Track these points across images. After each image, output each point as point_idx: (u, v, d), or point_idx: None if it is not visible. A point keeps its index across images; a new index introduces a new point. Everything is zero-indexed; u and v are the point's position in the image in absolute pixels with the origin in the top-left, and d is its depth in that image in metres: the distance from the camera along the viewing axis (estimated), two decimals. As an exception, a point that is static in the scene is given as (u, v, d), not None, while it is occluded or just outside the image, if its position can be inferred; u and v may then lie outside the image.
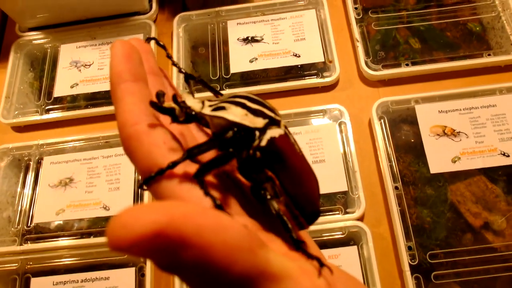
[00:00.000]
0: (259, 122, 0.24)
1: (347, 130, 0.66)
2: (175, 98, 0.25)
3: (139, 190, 0.65)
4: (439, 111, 0.67)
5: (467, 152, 0.65)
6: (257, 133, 0.24)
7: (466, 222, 0.62)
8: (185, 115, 0.25)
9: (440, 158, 0.65)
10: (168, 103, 0.25)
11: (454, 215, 0.63)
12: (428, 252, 0.60)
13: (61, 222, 0.65)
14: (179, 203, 0.16)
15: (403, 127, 0.68)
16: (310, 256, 0.22)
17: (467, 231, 0.62)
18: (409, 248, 0.60)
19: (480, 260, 0.60)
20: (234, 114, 0.24)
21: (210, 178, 0.25)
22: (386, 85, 0.71)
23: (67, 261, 0.63)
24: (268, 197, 0.24)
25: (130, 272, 0.61)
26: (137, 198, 0.65)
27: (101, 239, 0.63)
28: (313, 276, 0.20)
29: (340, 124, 0.67)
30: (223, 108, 0.24)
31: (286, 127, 0.26)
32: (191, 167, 0.23)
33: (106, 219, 0.64)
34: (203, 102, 0.26)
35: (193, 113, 0.25)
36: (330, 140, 0.66)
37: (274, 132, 0.24)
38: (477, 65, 0.71)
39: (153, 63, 0.29)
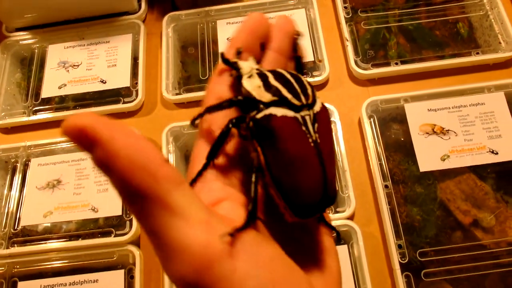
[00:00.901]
0: (266, 97, 0.25)
1: (336, 129, 0.66)
2: (239, 53, 0.27)
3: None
4: (428, 109, 0.67)
5: (456, 150, 0.65)
6: (261, 106, 0.25)
7: (455, 219, 0.63)
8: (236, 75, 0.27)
9: (429, 157, 0.65)
10: (234, 59, 0.27)
11: (443, 213, 0.63)
12: (418, 250, 0.60)
13: (49, 224, 0.64)
14: (108, 119, 0.20)
15: (393, 125, 0.69)
16: (246, 224, 0.23)
17: (456, 228, 0.62)
18: (399, 246, 0.60)
19: (470, 258, 0.60)
20: (250, 84, 0.25)
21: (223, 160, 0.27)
22: (376, 84, 0.71)
23: (55, 264, 0.62)
24: (253, 167, 0.25)
25: (119, 275, 0.61)
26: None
27: (90, 241, 0.62)
28: (213, 232, 0.21)
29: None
30: (250, 76, 0.26)
31: (313, 116, 0.25)
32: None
33: (95, 221, 0.64)
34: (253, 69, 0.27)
35: (237, 74, 0.27)
36: (320, 139, 0.65)
37: (278, 111, 0.25)
38: (465, 63, 0.71)
39: (285, 42, 0.29)
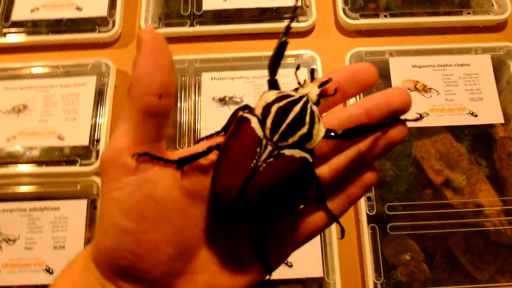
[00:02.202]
0: (257, 111, 0.28)
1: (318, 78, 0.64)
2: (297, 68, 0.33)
3: (96, 122, 0.63)
4: (412, 65, 0.66)
5: (436, 108, 0.64)
6: (249, 111, 0.29)
7: (427, 178, 0.62)
8: None
9: (409, 112, 0.63)
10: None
11: (416, 170, 0.62)
12: (386, 204, 0.60)
13: (12, 149, 0.62)
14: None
15: (375, 80, 0.67)
16: (161, 159, 0.28)
17: (427, 187, 0.62)
18: (368, 198, 0.59)
19: (437, 216, 0.60)
20: (266, 96, 0.29)
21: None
22: (363, 35, 0.69)
23: (16, 188, 0.60)
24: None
25: (82, 204, 0.59)
26: (94, 130, 0.62)
27: (54, 169, 0.60)
28: (137, 148, 0.26)
29: (311, 72, 0.65)
30: (280, 93, 0.29)
31: (274, 154, 0.28)
32: None
33: (60, 149, 0.62)
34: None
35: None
36: (300, 86, 0.64)
37: (254, 122, 0.28)
38: (455, 23, 0.69)
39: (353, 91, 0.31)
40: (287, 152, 0.28)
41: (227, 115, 0.63)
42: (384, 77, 0.66)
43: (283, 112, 0.27)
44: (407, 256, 0.58)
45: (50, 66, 0.66)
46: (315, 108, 0.28)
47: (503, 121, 0.64)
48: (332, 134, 0.29)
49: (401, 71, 0.66)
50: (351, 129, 0.29)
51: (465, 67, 0.66)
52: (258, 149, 0.28)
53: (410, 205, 0.60)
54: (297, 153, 0.28)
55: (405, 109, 0.30)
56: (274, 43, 0.68)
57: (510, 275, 0.58)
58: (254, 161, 0.28)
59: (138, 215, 0.26)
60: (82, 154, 0.61)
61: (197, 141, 0.32)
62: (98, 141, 0.61)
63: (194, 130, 0.63)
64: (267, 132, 0.28)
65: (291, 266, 0.57)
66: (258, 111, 0.28)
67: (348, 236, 0.59)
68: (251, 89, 0.64)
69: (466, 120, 0.64)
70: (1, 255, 0.58)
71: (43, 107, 0.64)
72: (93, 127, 0.62)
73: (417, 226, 0.59)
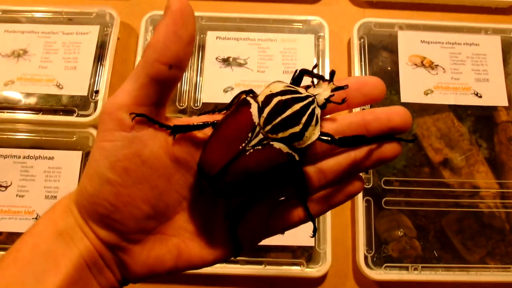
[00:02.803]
0: (260, 98, 0.29)
1: (324, 45, 0.63)
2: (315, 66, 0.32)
3: (97, 73, 0.61)
4: (421, 40, 0.65)
5: (441, 86, 0.63)
6: (253, 96, 0.30)
7: (426, 156, 0.62)
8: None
9: (413, 88, 0.63)
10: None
11: (415, 147, 0.62)
12: (383, 178, 0.59)
13: (9, 94, 0.61)
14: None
15: (382, 53, 0.66)
16: (153, 120, 0.28)
17: (425, 165, 0.61)
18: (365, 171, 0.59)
19: (432, 194, 0.60)
20: (274, 86, 0.29)
21: None
22: (373, 7, 0.68)
23: (10, 135, 0.59)
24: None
25: (77, 156, 0.59)
26: (94, 81, 0.61)
27: (50, 117, 0.59)
28: (137, 109, 0.27)
29: (318, 38, 0.64)
30: (290, 87, 0.30)
31: (263, 143, 0.28)
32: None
33: (59, 98, 0.61)
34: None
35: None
36: (305, 53, 0.63)
37: (253, 105, 0.29)
38: (468, 1, 0.68)
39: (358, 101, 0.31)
40: (276, 145, 0.28)
41: (230, 76, 0.62)
42: (391, 51, 0.65)
43: (282, 106, 0.28)
44: (399, 232, 0.58)
45: (53, 12, 0.65)
46: (317, 111, 0.29)
47: (507, 104, 0.63)
48: (328, 139, 0.29)
49: (409, 45, 0.64)
50: (346, 138, 0.29)
51: (474, 47, 0.65)
52: (250, 134, 0.28)
53: (407, 181, 0.60)
54: (285, 148, 0.28)
55: (404, 129, 0.30)
56: (281, 6, 0.67)
57: (500, 258, 0.58)
58: (243, 144, 0.28)
59: (122, 169, 0.27)
60: (80, 104, 0.60)
61: (199, 114, 0.33)
62: (97, 92, 0.60)
63: (195, 88, 0.62)
64: (262, 120, 0.28)
65: (282, 233, 0.56)
66: (261, 98, 0.29)
67: (342, 208, 0.59)
68: (256, 51, 0.63)
69: (470, 100, 0.63)
70: (-8, 200, 0.58)
71: (44, 53, 0.62)
72: (93, 78, 0.61)
73: (411, 203, 0.59)
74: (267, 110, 0.28)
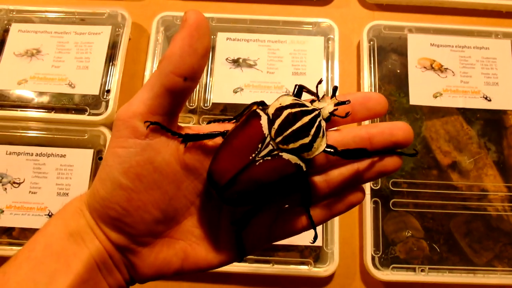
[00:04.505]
0: (270, 110, 0.30)
1: (334, 48, 0.63)
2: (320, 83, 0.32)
3: (108, 72, 0.62)
4: (431, 44, 0.65)
5: (450, 89, 0.63)
6: (263, 108, 0.31)
7: (434, 158, 0.62)
8: None
9: (422, 91, 0.63)
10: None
11: (424, 150, 0.62)
12: (391, 180, 0.60)
13: (22, 93, 0.61)
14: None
15: (392, 56, 0.66)
16: (163, 127, 0.29)
17: (433, 167, 0.62)
18: (374, 172, 0.59)
19: (440, 196, 0.60)
20: (283, 99, 0.30)
21: None
22: (383, 9, 0.68)
23: (23, 133, 0.60)
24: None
25: (88, 154, 0.59)
26: (106, 80, 0.62)
27: (63, 116, 0.60)
28: (151, 117, 0.28)
29: (327, 40, 0.64)
30: (297, 101, 0.31)
31: (274, 153, 0.29)
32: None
33: (71, 97, 0.61)
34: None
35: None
36: (315, 55, 0.63)
37: (263, 116, 0.30)
38: (478, 5, 0.68)
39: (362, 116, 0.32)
40: (285, 155, 0.29)
41: (239, 77, 0.63)
42: (401, 53, 0.66)
43: (292, 118, 0.29)
44: (406, 233, 0.59)
45: (66, 12, 0.66)
46: (323, 124, 0.30)
47: (516, 108, 0.63)
48: (332, 150, 0.30)
49: (419, 48, 0.65)
50: (350, 150, 0.30)
51: (484, 51, 0.65)
52: (260, 145, 0.29)
53: (415, 183, 0.60)
54: (294, 159, 0.29)
55: (406, 144, 0.31)
56: (291, 8, 0.68)
57: (508, 261, 0.58)
58: (253, 155, 0.29)
59: (134, 175, 0.28)
60: (91, 103, 0.61)
61: (208, 122, 0.34)
62: (108, 91, 0.61)
63: (205, 89, 0.62)
64: (273, 132, 0.29)
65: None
66: (271, 110, 0.30)
67: (349, 209, 0.59)
68: (266, 53, 0.63)
69: (479, 104, 0.63)
70: (6, 196, 0.58)
71: (56, 53, 0.63)
72: (105, 77, 0.62)
73: (419, 205, 0.59)
74: (278, 122, 0.29)
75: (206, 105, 0.62)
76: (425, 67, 0.64)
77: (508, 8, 0.69)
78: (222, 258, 0.32)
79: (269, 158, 0.29)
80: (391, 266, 0.57)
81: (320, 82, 0.32)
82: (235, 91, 0.62)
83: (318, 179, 0.32)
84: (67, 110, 0.61)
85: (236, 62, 0.63)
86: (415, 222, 0.59)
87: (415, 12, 0.68)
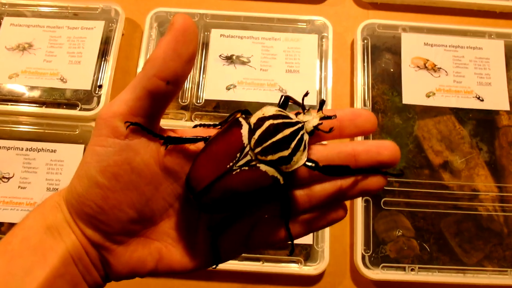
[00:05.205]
0: (252, 120, 0.30)
1: (328, 46, 0.63)
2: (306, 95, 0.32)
3: (100, 68, 0.62)
4: (424, 43, 0.65)
5: (443, 89, 0.63)
6: (245, 116, 0.31)
7: (426, 158, 0.62)
8: None
9: (415, 90, 0.63)
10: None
11: (416, 149, 0.62)
12: (383, 179, 0.60)
13: (13, 87, 0.61)
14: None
15: (385, 55, 0.66)
16: (146, 129, 0.29)
17: (425, 167, 0.62)
18: (366, 171, 0.59)
19: (432, 196, 0.60)
20: (266, 109, 0.30)
21: None
22: (377, 8, 0.68)
23: (14, 127, 0.60)
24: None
25: (79, 149, 0.59)
26: (98, 75, 0.62)
27: (54, 110, 0.60)
28: (132, 118, 0.28)
29: (321, 38, 0.64)
30: (279, 114, 0.30)
31: (252, 164, 0.29)
32: None
33: (62, 92, 0.61)
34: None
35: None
36: (308, 52, 0.63)
37: (244, 125, 0.30)
38: (472, 5, 0.68)
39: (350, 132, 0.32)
40: (263, 167, 0.29)
41: (233, 73, 0.63)
42: (394, 52, 0.66)
43: (273, 130, 0.28)
44: (397, 232, 0.59)
45: (59, 7, 0.65)
46: (306, 137, 0.29)
47: (509, 109, 0.63)
48: (312, 165, 0.29)
49: (412, 47, 0.65)
50: (332, 167, 0.30)
51: (477, 51, 0.65)
52: (238, 154, 0.29)
53: (406, 182, 0.60)
54: (271, 171, 0.29)
55: (392, 164, 0.31)
56: (286, 6, 0.67)
57: (498, 261, 0.59)
58: (231, 164, 0.29)
59: (111, 174, 0.28)
60: (83, 98, 0.61)
61: (194, 126, 0.34)
62: (100, 87, 0.61)
63: (198, 85, 0.62)
64: (252, 142, 0.29)
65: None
66: (253, 120, 0.29)
67: (341, 207, 0.59)
68: (259, 50, 0.63)
69: (471, 104, 0.63)
70: (-6, 191, 0.58)
71: (48, 47, 0.63)
72: (97, 73, 0.62)
73: (410, 204, 0.59)
74: (258, 132, 0.29)
75: (198, 101, 0.61)
76: (418, 67, 0.64)
77: (501, 9, 0.69)
78: (196, 262, 0.32)
79: (246, 168, 0.29)
80: (381, 265, 0.57)
81: (306, 94, 0.31)
82: (228, 88, 0.61)
83: (299, 193, 0.31)
84: (58, 105, 0.61)
85: (229, 59, 0.63)
86: (406, 221, 0.59)
87: (409, 11, 0.68)
